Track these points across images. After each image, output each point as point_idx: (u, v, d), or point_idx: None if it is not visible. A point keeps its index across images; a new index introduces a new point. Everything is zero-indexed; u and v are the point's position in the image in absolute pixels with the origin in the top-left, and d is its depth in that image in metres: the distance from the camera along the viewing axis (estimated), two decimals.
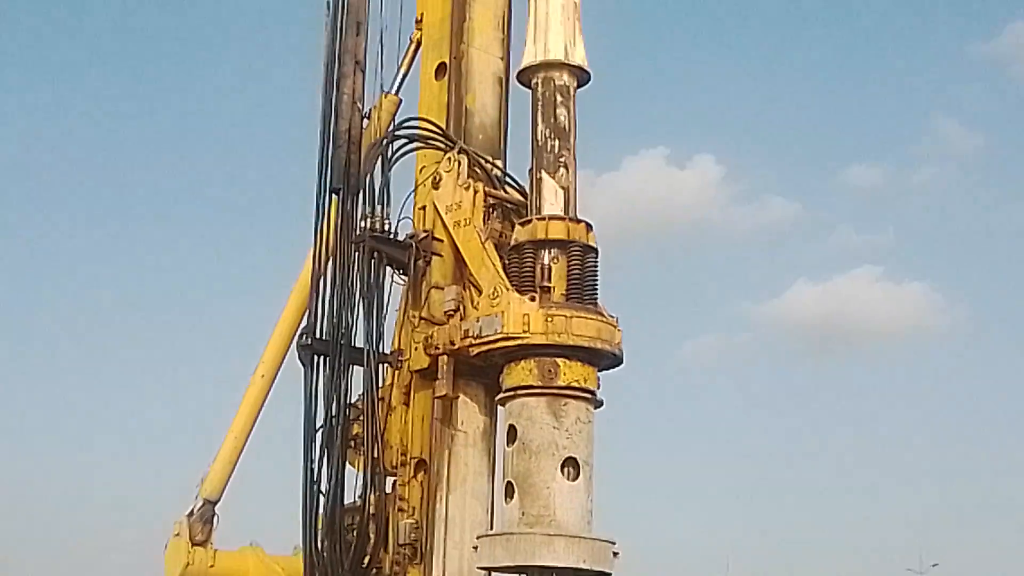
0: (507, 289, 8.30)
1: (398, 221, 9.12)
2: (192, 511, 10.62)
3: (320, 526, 8.84)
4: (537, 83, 8.72)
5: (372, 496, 8.70)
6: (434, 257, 9.00)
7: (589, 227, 8.52)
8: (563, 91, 8.67)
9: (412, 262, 8.98)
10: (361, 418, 8.83)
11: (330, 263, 9.09)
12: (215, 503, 10.69)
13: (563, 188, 8.52)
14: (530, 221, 8.47)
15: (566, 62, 8.63)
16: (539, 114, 8.63)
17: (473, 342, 8.39)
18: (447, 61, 9.60)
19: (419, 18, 9.98)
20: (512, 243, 8.55)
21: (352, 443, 8.89)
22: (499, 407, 8.58)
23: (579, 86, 8.77)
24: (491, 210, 8.88)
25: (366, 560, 8.71)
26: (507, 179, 9.37)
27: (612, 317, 8.40)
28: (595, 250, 8.50)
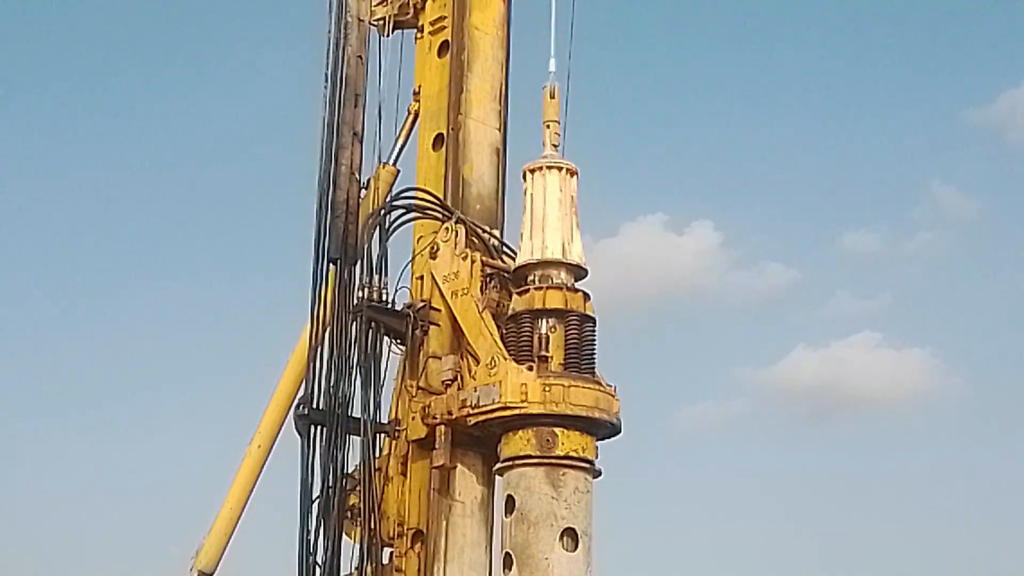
0: (505, 359, 8.34)
1: (395, 291, 9.18)
2: None
3: None
4: (534, 280, 8.70)
5: (369, 567, 8.66)
6: (432, 327, 9.03)
7: (587, 297, 8.59)
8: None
9: (410, 332, 9.01)
10: (358, 488, 8.82)
11: (327, 333, 9.09)
12: (210, 575, 10.59)
13: None
14: (527, 291, 8.52)
15: (564, 261, 8.58)
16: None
17: (471, 412, 8.41)
18: (445, 132, 9.71)
19: (417, 90, 10.11)
20: (510, 313, 8.60)
21: (349, 514, 8.86)
22: (497, 477, 8.60)
23: (576, 280, 8.74)
24: (488, 280, 8.93)
25: None
26: (504, 249, 9.42)
27: (610, 386, 8.44)
28: (593, 319, 8.55)
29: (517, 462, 8.19)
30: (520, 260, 8.64)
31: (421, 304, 9.11)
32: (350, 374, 8.92)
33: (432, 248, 9.13)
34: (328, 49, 9.64)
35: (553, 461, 8.13)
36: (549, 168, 8.72)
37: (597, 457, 8.37)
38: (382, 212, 9.27)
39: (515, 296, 8.64)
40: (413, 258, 9.43)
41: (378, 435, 8.94)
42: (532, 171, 8.77)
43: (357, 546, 8.75)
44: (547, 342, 8.42)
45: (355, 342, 8.93)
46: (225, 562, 10.59)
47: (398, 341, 9.11)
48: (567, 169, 8.75)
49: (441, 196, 9.45)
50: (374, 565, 8.69)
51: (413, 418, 8.84)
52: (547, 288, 8.47)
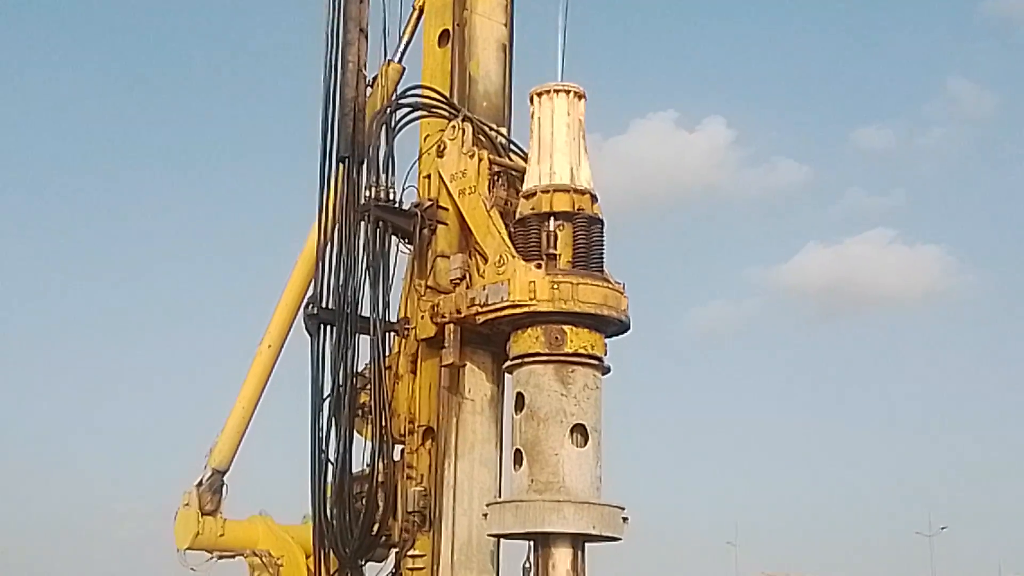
0: (513, 257, 8.35)
1: (403, 190, 9.19)
2: (201, 481, 10.73)
3: (329, 495, 8.95)
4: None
5: (380, 464, 8.79)
6: (439, 226, 9.03)
7: (594, 198, 8.51)
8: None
9: (417, 231, 9.02)
10: (368, 387, 8.90)
11: (335, 232, 9.13)
12: (224, 473, 10.80)
13: None
14: (534, 194, 8.45)
15: (572, 186, 8.41)
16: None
17: (479, 310, 8.43)
18: (450, 28, 9.61)
19: None
20: (517, 215, 8.57)
21: (360, 412, 8.97)
22: (506, 375, 8.64)
23: None
24: (496, 178, 8.90)
25: (375, 528, 8.83)
26: (511, 146, 9.38)
27: (618, 283, 8.44)
28: (601, 221, 8.50)
29: (526, 359, 8.21)
30: (527, 186, 8.54)
31: (428, 203, 9.09)
32: (359, 274, 8.96)
33: (439, 146, 9.08)
34: None
35: (562, 358, 8.15)
36: (556, 91, 8.52)
37: (606, 354, 8.39)
38: (388, 110, 9.22)
39: (522, 200, 8.57)
40: (420, 157, 9.40)
41: (387, 334, 9.00)
42: (539, 94, 8.57)
43: (368, 443, 8.87)
44: (555, 240, 8.38)
45: (363, 242, 8.96)
46: (238, 460, 10.78)
47: (406, 240, 9.13)
48: (575, 92, 8.55)
49: (447, 93, 9.39)
50: (385, 462, 8.81)
51: (422, 317, 8.89)
52: (554, 191, 8.39)
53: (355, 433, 8.95)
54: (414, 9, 9.97)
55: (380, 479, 8.75)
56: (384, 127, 9.12)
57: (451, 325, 8.63)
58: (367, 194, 9.02)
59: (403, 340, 9.05)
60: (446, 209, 9.03)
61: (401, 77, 9.80)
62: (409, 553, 8.77)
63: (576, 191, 8.42)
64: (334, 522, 8.90)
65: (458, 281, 8.70)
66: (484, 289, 8.42)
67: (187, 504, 10.71)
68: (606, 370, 8.37)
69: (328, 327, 9.01)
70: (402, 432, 8.94)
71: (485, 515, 8.23)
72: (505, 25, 9.69)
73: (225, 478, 10.80)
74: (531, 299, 8.18)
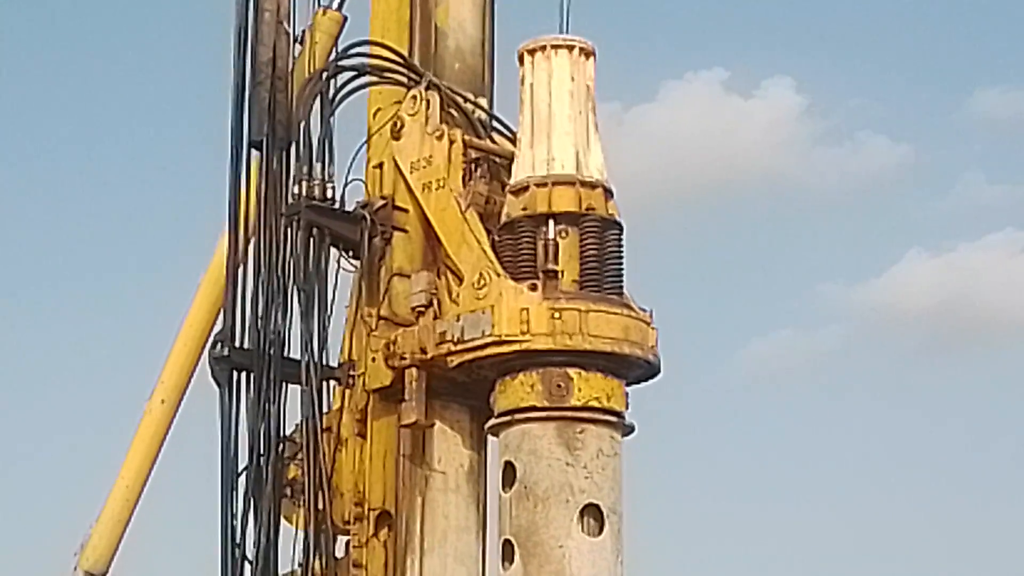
0: (498, 275, 8.41)
1: (345, 185, 9.26)
2: None
3: None
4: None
5: (317, 563, 8.78)
6: (396, 233, 9.11)
7: (609, 193, 8.62)
8: None
9: (366, 240, 9.09)
10: (300, 456, 8.92)
11: (252, 244, 9.21)
12: None
13: None
14: (526, 188, 8.53)
15: (579, 178, 8.49)
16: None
17: (452, 349, 8.50)
18: None
19: None
20: (503, 219, 8.68)
21: (288, 491, 9.01)
22: (490, 437, 8.73)
23: None
24: (474, 167, 8.99)
25: None
26: (494, 124, 9.50)
27: (644, 311, 8.52)
28: (618, 224, 8.62)
29: (518, 416, 8.30)
30: (517, 178, 8.65)
31: (381, 202, 9.16)
32: (285, 300, 9.03)
33: (394, 125, 9.15)
34: None
35: (567, 414, 8.23)
36: (556, 48, 8.63)
37: (627, 408, 8.48)
38: (324, 76, 9.31)
39: (509, 196, 8.68)
40: (369, 139, 9.48)
41: (326, 383, 9.05)
42: (532, 52, 8.69)
43: (301, 534, 8.85)
44: (555, 251, 8.48)
45: (291, 256, 9.01)
46: (120, 559, 10.67)
47: (350, 253, 9.21)
48: (581, 48, 8.67)
49: (406, 52, 9.45)
50: (324, 560, 8.82)
51: (373, 359, 8.92)
52: (553, 184, 8.48)
53: (282, 520, 8.96)
54: None
55: None
56: (319, 99, 9.21)
57: (413, 370, 8.66)
58: (296, 191, 9.09)
59: (347, 391, 9.09)
60: (405, 210, 9.12)
61: (341, 31, 9.82)
62: None
63: (584, 184, 8.52)
64: None
65: (423, 309, 8.75)
66: (458, 320, 8.49)
67: None
68: (628, 429, 8.47)
69: (244, 374, 9.06)
70: (347, 518, 8.96)
71: None
72: None
73: None
74: (523, 333, 8.26)
